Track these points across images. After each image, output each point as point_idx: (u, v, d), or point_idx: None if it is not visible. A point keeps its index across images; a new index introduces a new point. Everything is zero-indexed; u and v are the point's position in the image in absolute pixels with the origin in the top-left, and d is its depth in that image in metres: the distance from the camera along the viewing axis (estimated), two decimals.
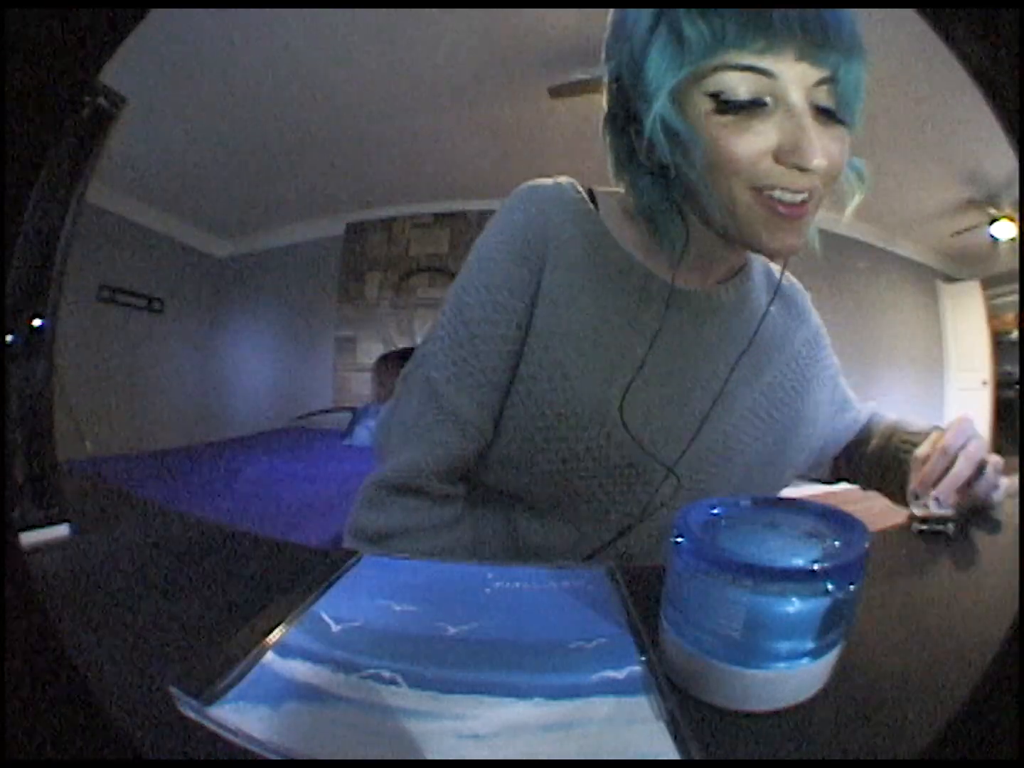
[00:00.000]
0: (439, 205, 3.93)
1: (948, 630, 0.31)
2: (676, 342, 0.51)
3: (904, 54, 2.22)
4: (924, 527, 0.46)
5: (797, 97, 0.38)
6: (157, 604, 0.35)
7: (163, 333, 4.11)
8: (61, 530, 0.46)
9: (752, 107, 0.38)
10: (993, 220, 3.55)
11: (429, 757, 0.22)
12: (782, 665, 0.24)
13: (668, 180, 0.46)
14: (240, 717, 0.23)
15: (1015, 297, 3.83)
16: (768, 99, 0.39)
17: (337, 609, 0.33)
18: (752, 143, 0.39)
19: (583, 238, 0.51)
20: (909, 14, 0.26)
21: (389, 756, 0.22)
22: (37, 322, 0.50)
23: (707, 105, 0.39)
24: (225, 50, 2.47)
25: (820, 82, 0.39)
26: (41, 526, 0.46)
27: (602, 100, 0.49)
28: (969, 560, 0.43)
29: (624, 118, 0.46)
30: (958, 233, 3.74)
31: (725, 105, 0.38)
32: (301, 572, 0.38)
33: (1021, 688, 0.20)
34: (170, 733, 0.23)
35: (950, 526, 0.45)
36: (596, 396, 0.49)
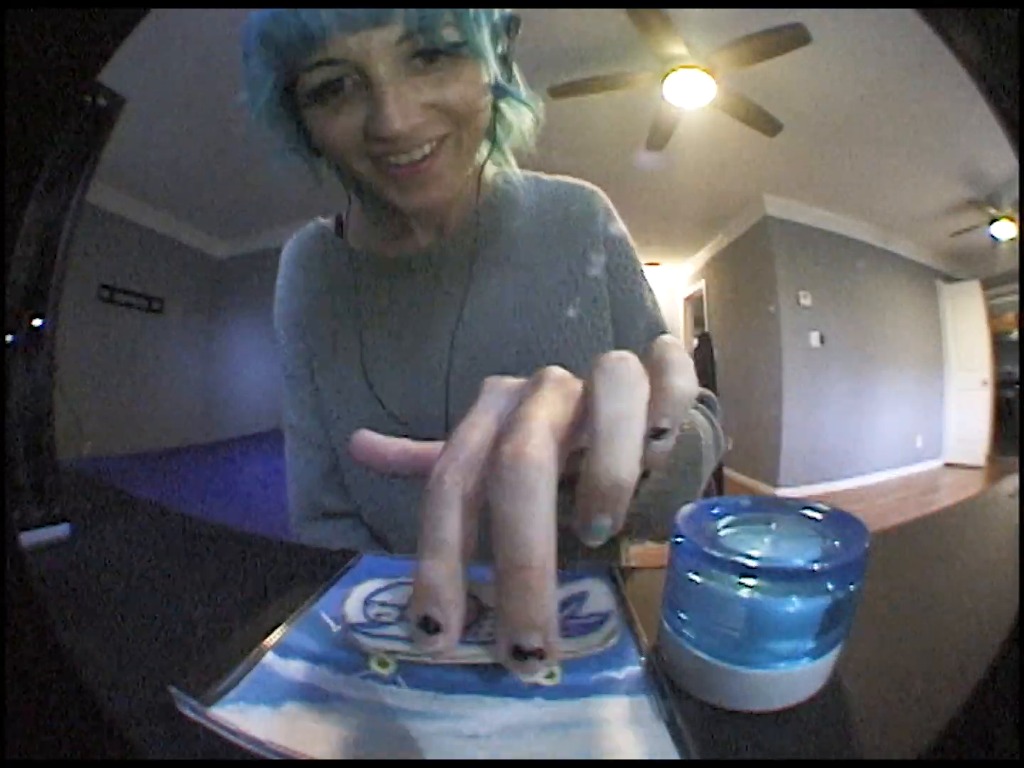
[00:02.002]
0: None
1: (948, 630, 0.31)
2: (415, 306, 0.53)
3: (903, 54, 2.23)
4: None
5: (378, 65, 0.37)
6: (157, 604, 0.35)
7: (163, 333, 4.11)
8: (61, 530, 0.46)
9: (334, 92, 0.39)
10: (993, 220, 3.55)
11: (429, 757, 0.22)
12: (782, 665, 0.24)
13: None
14: (240, 717, 0.23)
15: (1015, 297, 3.83)
16: (348, 80, 0.38)
17: (337, 609, 0.33)
18: (342, 126, 0.39)
19: (321, 259, 0.58)
20: (909, 14, 0.26)
21: (389, 756, 0.22)
22: (37, 322, 0.50)
23: (305, 100, 0.40)
24: (225, 50, 2.47)
25: (401, 39, 0.37)
26: (41, 526, 0.46)
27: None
28: (969, 560, 0.43)
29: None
30: (958, 233, 3.74)
31: (311, 98, 0.39)
32: (301, 572, 0.38)
33: (1021, 688, 0.20)
34: (170, 733, 0.23)
35: None
36: (355, 388, 0.53)
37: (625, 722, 0.24)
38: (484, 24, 0.39)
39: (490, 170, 0.55)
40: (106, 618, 0.33)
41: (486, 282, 0.53)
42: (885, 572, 0.37)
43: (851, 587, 0.24)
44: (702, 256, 4.91)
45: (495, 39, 0.42)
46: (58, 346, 0.53)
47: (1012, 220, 3.47)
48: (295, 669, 0.27)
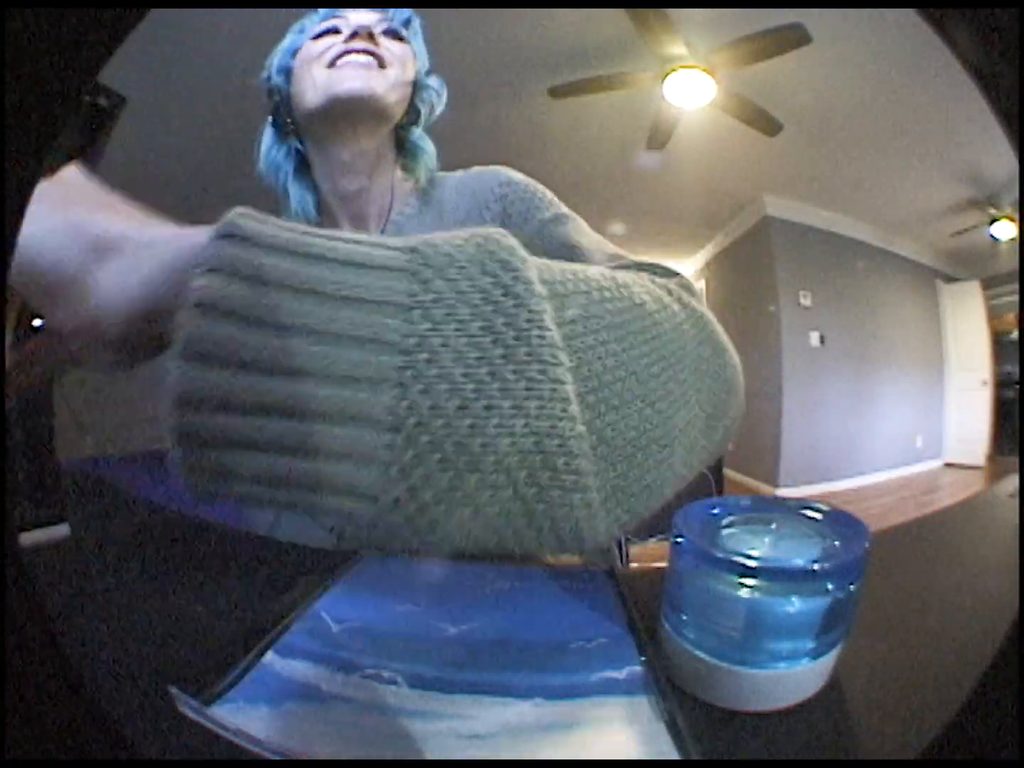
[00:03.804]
0: None
1: (948, 630, 0.31)
2: None
3: (904, 54, 2.22)
4: None
5: (356, 23, 0.56)
6: (157, 604, 0.35)
7: None
8: (61, 530, 0.46)
9: (327, 33, 0.56)
10: (993, 220, 3.55)
11: (429, 757, 0.22)
12: (782, 665, 0.24)
13: (289, 144, 0.62)
14: (240, 717, 0.23)
15: (1015, 297, 3.82)
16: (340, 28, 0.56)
17: (337, 609, 0.33)
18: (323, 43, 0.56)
19: None
20: (909, 14, 0.26)
21: (389, 756, 0.22)
22: (37, 322, 0.50)
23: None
24: (225, 50, 2.47)
25: (379, 22, 0.58)
26: (41, 526, 0.46)
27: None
28: (969, 560, 0.43)
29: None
30: (958, 233, 3.73)
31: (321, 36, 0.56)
32: (301, 572, 0.38)
33: (1021, 688, 0.20)
34: (170, 733, 0.23)
35: None
36: None
37: (625, 722, 0.24)
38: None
39: (409, 180, 0.64)
40: (106, 618, 0.33)
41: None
42: (885, 572, 0.37)
43: (851, 587, 0.24)
44: (702, 256, 4.91)
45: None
46: None
47: (1012, 220, 3.46)
48: (295, 669, 0.27)
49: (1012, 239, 3.55)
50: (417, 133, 0.63)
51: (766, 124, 2.73)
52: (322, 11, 0.58)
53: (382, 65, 0.56)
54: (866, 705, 0.25)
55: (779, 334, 3.79)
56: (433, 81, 0.65)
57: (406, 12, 0.59)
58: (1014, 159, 0.22)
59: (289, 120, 0.60)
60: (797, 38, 2.14)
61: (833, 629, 0.24)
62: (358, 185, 0.61)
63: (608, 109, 2.73)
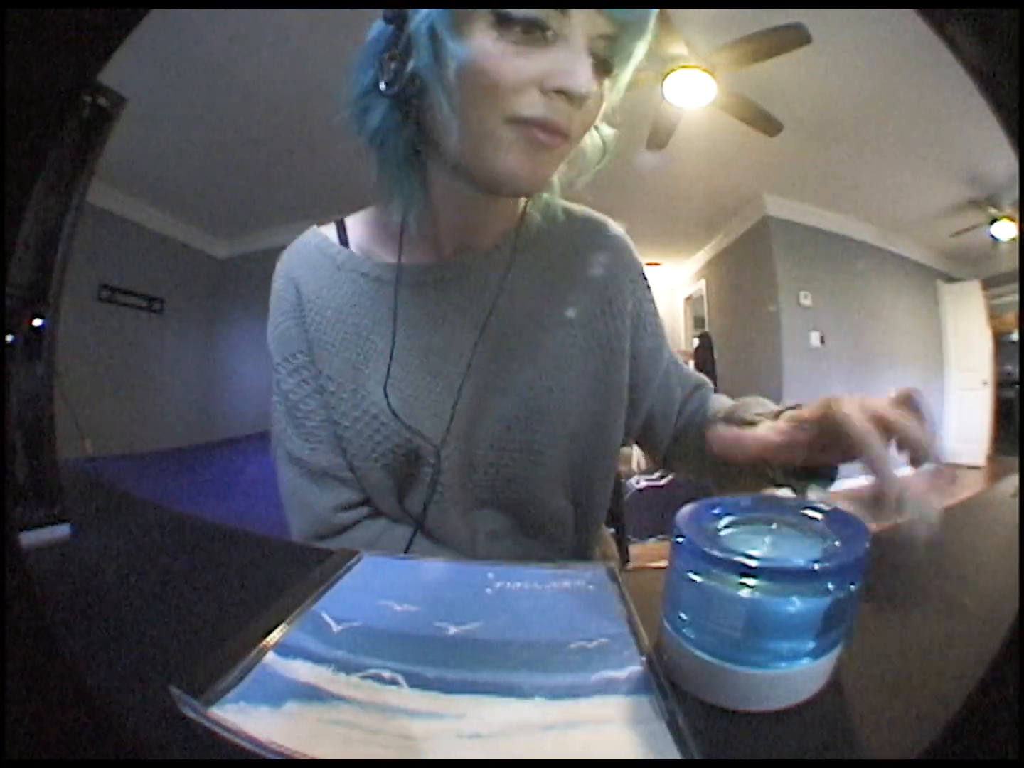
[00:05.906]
0: None
1: (948, 631, 0.31)
2: (424, 319, 0.52)
3: (904, 54, 2.23)
4: None
5: (579, 36, 0.38)
6: (157, 604, 0.35)
7: (163, 333, 4.11)
8: (61, 530, 0.46)
9: (531, 30, 0.37)
10: (993, 220, 3.55)
11: (429, 757, 0.22)
12: (782, 665, 0.24)
13: (407, 117, 0.44)
14: (240, 717, 0.23)
15: (1015, 297, 3.83)
16: (551, 29, 0.38)
17: (337, 609, 0.33)
18: (522, 67, 0.37)
19: (326, 271, 0.54)
20: (909, 14, 0.26)
21: (389, 756, 0.22)
22: (37, 322, 0.50)
23: (486, 21, 0.37)
24: (225, 50, 2.47)
25: (602, 36, 0.39)
26: (41, 526, 0.46)
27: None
28: (969, 560, 0.43)
29: (387, 40, 0.41)
30: (958, 233, 3.74)
31: (504, 22, 0.36)
32: (301, 572, 0.38)
33: (1021, 688, 0.20)
34: (170, 733, 0.23)
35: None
36: (365, 395, 0.52)
37: (625, 722, 0.24)
38: (632, 67, 0.44)
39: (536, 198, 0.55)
40: (107, 618, 0.33)
41: (510, 307, 0.52)
42: (885, 572, 0.37)
43: (851, 587, 0.24)
44: (703, 256, 4.91)
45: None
46: (58, 346, 0.53)
47: (1012, 220, 3.47)
48: (296, 669, 0.27)
49: (1012, 239, 3.55)
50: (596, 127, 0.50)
51: (766, 124, 2.73)
52: None
53: (566, 138, 0.42)
54: (866, 705, 0.25)
55: (779, 334, 3.80)
56: (606, 132, 0.51)
57: (646, 26, 0.40)
58: (1014, 159, 0.22)
59: (415, 108, 0.42)
60: (797, 38, 2.14)
61: (833, 629, 0.24)
62: (479, 221, 0.52)
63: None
